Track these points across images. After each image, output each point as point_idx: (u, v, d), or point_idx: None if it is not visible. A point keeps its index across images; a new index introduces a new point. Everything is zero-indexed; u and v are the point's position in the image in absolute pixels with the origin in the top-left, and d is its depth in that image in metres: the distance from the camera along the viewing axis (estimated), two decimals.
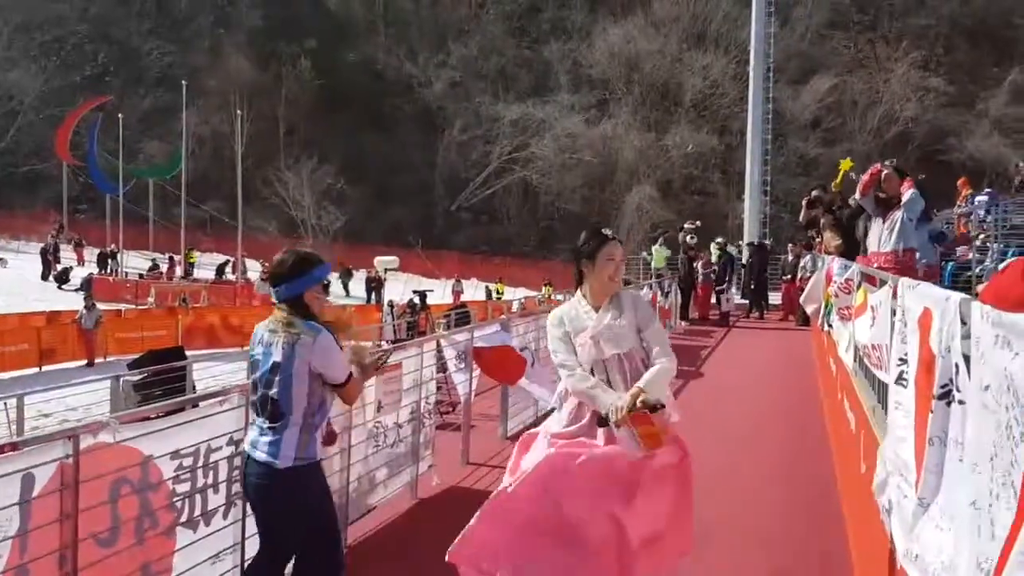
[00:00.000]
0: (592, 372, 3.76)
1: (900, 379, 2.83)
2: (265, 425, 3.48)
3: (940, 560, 2.09)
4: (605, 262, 3.82)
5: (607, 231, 3.91)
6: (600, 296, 3.85)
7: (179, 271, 43.29)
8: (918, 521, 2.27)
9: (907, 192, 7.23)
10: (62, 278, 38.60)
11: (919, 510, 2.27)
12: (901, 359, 2.87)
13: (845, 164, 9.45)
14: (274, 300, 3.60)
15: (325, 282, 3.68)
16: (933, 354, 2.32)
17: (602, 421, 3.65)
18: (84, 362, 21.68)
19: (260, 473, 3.47)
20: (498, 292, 40.24)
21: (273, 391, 3.44)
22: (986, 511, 1.59)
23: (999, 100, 47.21)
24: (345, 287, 43.54)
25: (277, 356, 3.43)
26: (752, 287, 20.74)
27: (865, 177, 7.77)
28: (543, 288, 34.59)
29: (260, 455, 3.46)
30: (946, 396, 2.15)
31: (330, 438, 4.29)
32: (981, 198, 15.39)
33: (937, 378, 2.18)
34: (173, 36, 62.60)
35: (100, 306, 24.25)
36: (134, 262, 45.29)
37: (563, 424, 3.79)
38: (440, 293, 34.63)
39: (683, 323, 18.94)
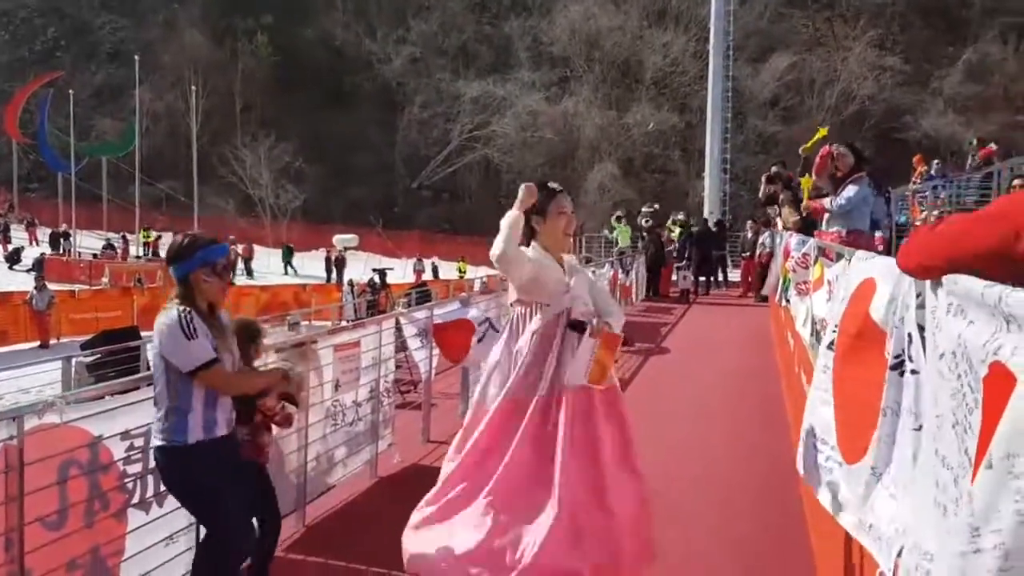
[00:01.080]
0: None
1: (832, 345, 2.90)
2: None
3: (894, 528, 2.11)
4: (557, 215, 3.79)
5: (554, 184, 3.86)
6: (555, 250, 3.82)
7: (134, 251, 42.58)
8: (871, 491, 2.29)
9: (838, 200, 7.15)
10: (13, 258, 37.81)
11: (872, 479, 2.29)
12: (837, 327, 2.93)
13: (821, 132, 9.45)
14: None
15: (213, 264, 3.53)
16: (871, 322, 2.36)
17: (575, 325, 3.66)
18: (37, 343, 21.27)
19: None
20: (460, 271, 40.14)
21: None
22: (942, 478, 1.60)
23: (953, 79, 47.84)
24: (287, 266, 42.80)
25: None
26: (696, 265, 20.51)
27: (817, 160, 7.82)
28: None
29: None
30: (899, 367, 2.16)
31: (283, 422, 4.23)
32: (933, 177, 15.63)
33: (891, 349, 2.19)
34: (126, 10, 61.18)
35: (53, 287, 23.78)
36: (88, 242, 44.45)
37: (508, 378, 3.75)
38: (401, 272, 34.44)
39: (643, 299, 19.06)
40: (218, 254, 3.57)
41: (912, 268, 1.99)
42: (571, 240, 3.88)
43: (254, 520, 3.93)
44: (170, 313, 3.39)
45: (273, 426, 4.21)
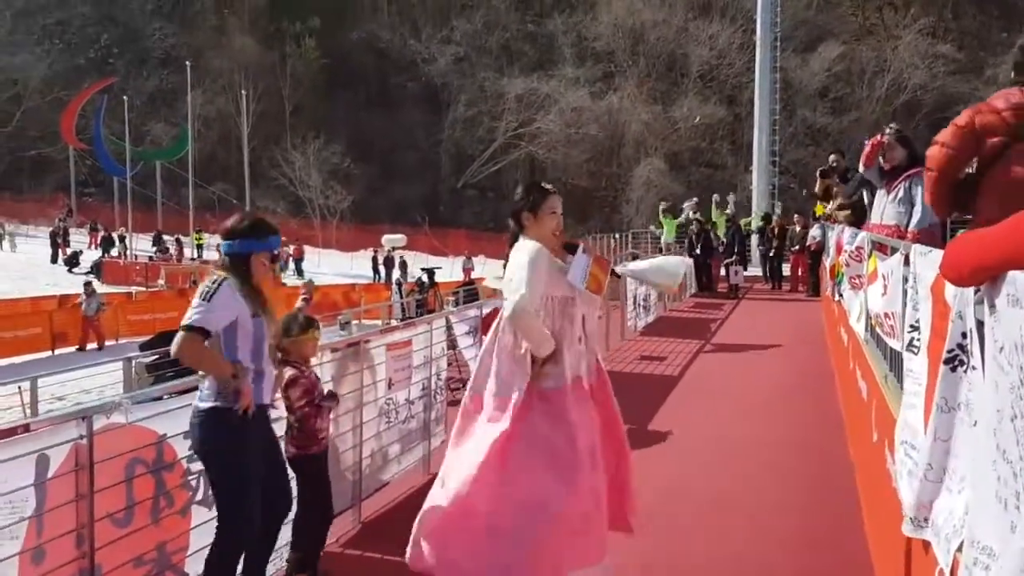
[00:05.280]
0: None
1: (911, 346, 2.83)
2: None
3: (952, 524, 2.09)
4: (549, 215, 3.79)
5: (547, 185, 3.90)
6: (549, 249, 3.82)
7: (188, 253, 43.34)
8: (930, 486, 2.28)
9: (918, 203, 6.87)
10: (72, 261, 38.73)
11: (928, 471, 2.28)
12: (912, 326, 2.86)
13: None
14: (222, 254, 3.71)
15: (274, 252, 3.77)
16: (947, 320, 2.31)
17: (570, 247, 3.82)
18: (95, 346, 21.74)
19: (192, 414, 3.61)
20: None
21: None
22: (1003, 473, 1.59)
23: (1008, 66, 46.55)
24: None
25: None
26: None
27: (867, 149, 7.65)
28: None
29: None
30: (952, 361, 2.15)
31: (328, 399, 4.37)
32: None
33: (945, 343, 2.17)
34: (176, 16, 62.31)
35: (111, 289, 24.34)
36: (144, 244, 45.38)
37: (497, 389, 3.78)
38: (448, 271, 34.54)
39: (691, 295, 18.89)
40: (278, 244, 3.82)
41: (951, 279, 2.01)
42: (557, 242, 3.88)
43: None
44: (208, 279, 3.58)
45: (329, 415, 4.42)
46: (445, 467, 3.84)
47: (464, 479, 3.64)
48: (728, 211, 22.12)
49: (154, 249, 43.40)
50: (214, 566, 3.56)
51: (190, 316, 3.45)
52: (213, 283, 3.50)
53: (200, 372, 3.60)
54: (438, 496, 3.74)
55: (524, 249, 3.74)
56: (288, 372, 4.20)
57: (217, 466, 3.57)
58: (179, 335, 3.46)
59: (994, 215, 1.82)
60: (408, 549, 3.80)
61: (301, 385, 4.26)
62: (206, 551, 3.81)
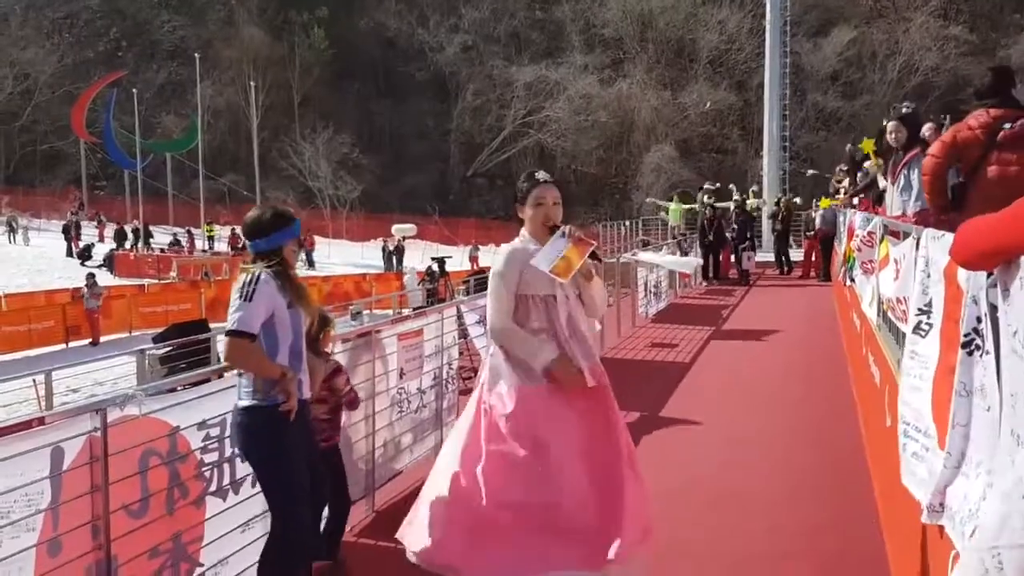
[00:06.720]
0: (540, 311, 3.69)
1: (918, 328, 2.81)
2: None
3: (967, 508, 2.09)
4: (535, 206, 3.72)
5: (540, 175, 3.80)
6: (541, 238, 3.72)
7: (200, 245, 43.47)
8: (946, 471, 2.26)
9: (915, 186, 6.82)
10: (85, 255, 38.95)
11: (947, 459, 2.26)
12: (921, 309, 2.84)
13: (867, 146, 9.21)
14: (251, 252, 3.65)
15: (299, 236, 3.75)
16: (959, 304, 2.30)
17: (554, 230, 3.67)
18: (114, 335, 21.79)
19: (232, 414, 3.61)
20: None
21: None
22: (1018, 459, 1.58)
23: (1021, 47, 46.26)
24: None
25: None
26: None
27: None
28: None
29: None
30: (969, 345, 2.13)
31: (350, 404, 4.39)
32: None
33: (962, 327, 2.16)
34: (185, 8, 62.40)
35: (124, 282, 24.46)
36: (156, 237, 45.59)
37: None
38: (458, 260, 34.58)
39: (703, 283, 18.81)
40: (299, 228, 3.80)
41: (961, 262, 2.02)
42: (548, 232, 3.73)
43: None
44: (243, 275, 3.50)
45: (344, 408, 4.44)
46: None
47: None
48: (736, 197, 21.98)
49: (140, 243, 43.13)
50: (269, 564, 3.58)
51: (232, 319, 3.40)
52: (250, 279, 3.45)
53: (239, 371, 3.58)
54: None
55: (496, 259, 3.74)
56: (330, 362, 4.23)
57: (260, 466, 3.58)
58: (226, 340, 3.43)
59: (983, 209, 1.90)
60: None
61: (345, 373, 4.31)
62: (221, 542, 3.85)
